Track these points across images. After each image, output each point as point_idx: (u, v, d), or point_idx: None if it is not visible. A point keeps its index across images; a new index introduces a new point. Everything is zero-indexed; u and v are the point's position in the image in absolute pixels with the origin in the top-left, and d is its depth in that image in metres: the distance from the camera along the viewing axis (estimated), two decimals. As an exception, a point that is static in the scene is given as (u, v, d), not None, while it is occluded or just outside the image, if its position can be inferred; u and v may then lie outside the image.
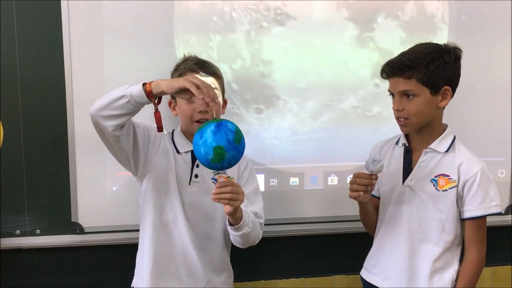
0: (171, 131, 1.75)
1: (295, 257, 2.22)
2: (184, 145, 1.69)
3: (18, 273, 1.99)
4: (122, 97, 1.41)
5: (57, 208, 1.94)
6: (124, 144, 1.54)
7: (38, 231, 1.94)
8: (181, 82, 1.40)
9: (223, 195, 1.45)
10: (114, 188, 1.96)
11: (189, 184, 1.68)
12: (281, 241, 2.14)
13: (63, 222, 1.95)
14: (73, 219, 1.95)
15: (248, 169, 1.77)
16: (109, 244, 2.00)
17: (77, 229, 1.95)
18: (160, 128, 1.47)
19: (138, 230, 1.89)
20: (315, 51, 2.03)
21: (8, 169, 1.87)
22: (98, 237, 1.98)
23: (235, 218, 1.53)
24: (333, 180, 2.13)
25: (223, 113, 1.77)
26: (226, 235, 1.71)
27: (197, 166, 1.69)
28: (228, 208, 1.48)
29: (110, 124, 1.45)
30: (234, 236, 1.60)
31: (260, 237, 1.68)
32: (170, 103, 1.75)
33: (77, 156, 1.91)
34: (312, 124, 2.08)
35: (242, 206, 1.56)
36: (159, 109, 1.46)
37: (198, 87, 1.39)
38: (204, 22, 1.94)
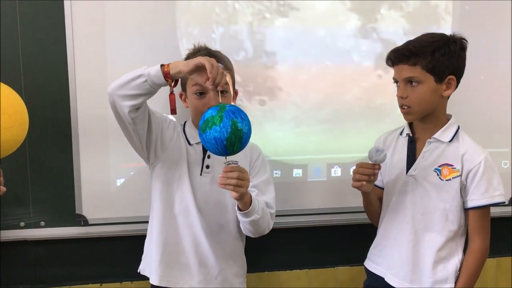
0: (183, 123, 1.76)
1: (298, 249, 2.22)
2: (195, 137, 1.70)
3: (23, 265, 2.00)
4: (139, 76, 1.45)
5: (62, 200, 1.95)
6: (139, 127, 1.57)
7: (42, 223, 1.95)
8: (198, 59, 1.43)
9: (228, 180, 1.46)
10: (118, 181, 1.96)
11: (201, 175, 1.70)
12: (284, 233, 2.15)
13: (67, 214, 1.96)
14: (77, 211, 1.95)
15: (260, 159, 1.78)
16: (113, 236, 2.01)
17: (82, 221, 1.96)
18: (173, 111, 1.50)
19: (142, 222, 1.91)
20: (318, 42, 2.03)
21: (12, 161, 1.87)
22: (102, 229, 1.99)
23: (243, 203, 1.55)
24: (336, 172, 2.13)
25: (233, 103, 1.77)
26: (238, 224, 1.72)
27: (208, 157, 1.70)
28: (234, 194, 1.50)
29: (126, 104, 1.48)
30: (244, 223, 1.62)
31: (271, 227, 1.69)
32: (181, 95, 1.76)
33: (81, 148, 1.92)
34: (315, 115, 2.08)
35: (252, 195, 1.59)
36: (174, 92, 1.49)
37: (212, 67, 1.42)
38: (206, 14, 1.94)
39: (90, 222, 1.97)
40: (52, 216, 1.96)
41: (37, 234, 1.95)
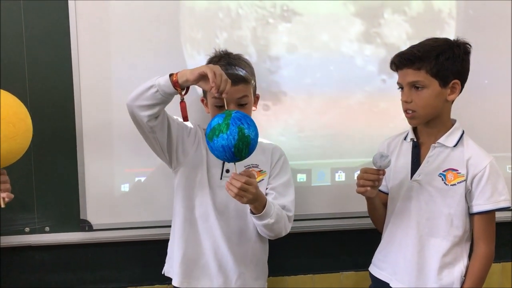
0: (206, 128, 1.77)
1: (303, 254, 2.22)
2: None
3: (28, 270, 2.00)
4: (151, 87, 1.50)
5: (66, 206, 1.95)
6: (159, 135, 1.61)
7: (47, 228, 1.96)
8: (201, 68, 1.47)
9: (231, 187, 1.49)
10: (123, 188, 1.97)
11: (221, 179, 1.72)
12: (289, 238, 2.11)
13: (72, 220, 1.96)
14: (81, 217, 1.96)
15: (281, 161, 1.79)
16: (118, 241, 2.01)
17: (86, 226, 1.96)
18: (185, 118, 1.53)
19: (147, 227, 1.93)
20: (322, 47, 2.03)
21: (18, 167, 1.86)
22: (106, 234, 1.99)
23: (254, 207, 1.57)
24: (340, 176, 2.13)
25: (255, 109, 1.80)
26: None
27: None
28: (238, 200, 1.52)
29: (144, 114, 1.53)
30: (258, 226, 1.64)
31: (288, 230, 1.71)
32: (202, 100, 1.78)
33: (86, 153, 1.92)
34: (319, 120, 2.07)
35: (269, 198, 1.63)
36: (185, 100, 1.51)
37: (215, 75, 1.45)
38: (210, 19, 1.94)
39: (94, 228, 1.97)
40: (56, 222, 1.96)
41: (41, 240, 1.96)
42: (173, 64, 1.79)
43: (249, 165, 1.71)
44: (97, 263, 2.05)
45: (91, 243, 1.99)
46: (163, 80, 1.48)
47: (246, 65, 1.74)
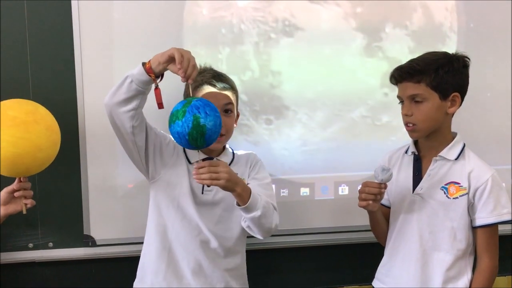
0: None
1: (306, 268, 2.20)
2: (195, 155, 1.69)
3: (31, 286, 1.99)
4: (125, 78, 1.50)
5: (70, 221, 1.95)
6: (138, 139, 1.60)
7: (50, 244, 1.96)
8: (170, 50, 1.46)
9: (202, 176, 1.48)
10: (126, 204, 1.96)
11: (202, 193, 1.70)
12: (292, 252, 2.14)
13: (75, 235, 1.96)
14: (85, 232, 1.96)
15: (258, 165, 1.80)
16: (121, 257, 2.00)
17: (90, 241, 1.96)
18: (160, 105, 1.51)
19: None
20: (324, 61, 2.04)
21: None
22: (110, 250, 1.99)
23: (237, 195, 1.54)
24: (344, 190, 2.13)
25: (236, 126, 1.79)
26: (242, 242, 1.75)
27: None
28: (217, 186, 1.52)
29: (121, 110, 1.52)
30: (247, 221, 1.61)
31: (277, 222, 1.67)
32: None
33: (89, 169, 1.93)
34: (322, 134, 2.08)
35: (253, 190, 1.59)
36: (159, 87, 1.51)
37: (182, 58, 1.45)
38: (213, 35, 1.96)
39: (98, 243, 1.97)
40: (60, 237, 1.96)
41: (45, 256, 1.96)
42: (176, 79, 1.79)
43: (203, 158, 1.67)
44: (100, 278, 2.04)
45: (94, 259, 1.99)
46: (137, 69, 1.49)
47: (231, 80, 1.78)
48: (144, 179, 1.80)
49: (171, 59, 1.47)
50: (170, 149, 1.72)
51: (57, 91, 1.89)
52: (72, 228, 1.95)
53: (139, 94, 1.51)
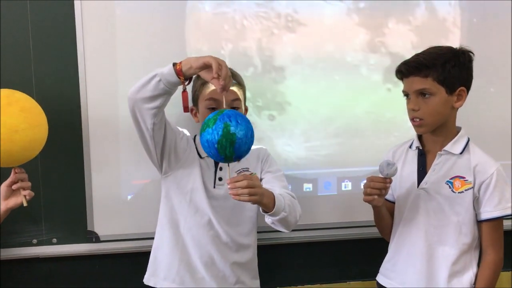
0: (193, 137, 1.79)
1: (310, 264, 2.21)
2: None
3: (35, 282, 2.00)
4: (154, 76, 1.48)
5: (73, 217, 1.95)
6: (156, 134, 1.59)
7: (54, 240, 1.96)
8: (207, 58, 1.45)
9: (240, 191, 1.44)
10: (129, 197, 1.97)
11: (214, 187, 1.72)
12: (295, 248, 2.14)
13: (79, 231, 1.96)
14: (89, 228, 1.96)
15: (269, 158, 1.82)
16: (125, 252, 2.01)
17: (93, 237, 1.97)
18: (186, 108, 1.52)
19: (153, 238, 1.91)
20: (327, 57, 2.04)
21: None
22: (114, 246, 1.99)
23: (264, 204, 1.52)
24: (347, 186, 2.13)
25: None
26: (253, 236, 1.77)
27: (220, 169, 1.72)
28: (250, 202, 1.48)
29: (145, 107, 1.50)
30: (274, 222, 1.59)
31: (300, 212, 1.67)
32: (191, 110, 1.78)
33: (92, 165, 1.93)
34: (325, 130, 2.08)
35: (268, 186, 1.58)
36: (186, 90, 1.50)
37: (220, 68, 1.43)
38: (215, 31, 1.96)
39: (101, 239, 1.97)
40: (64, 233, 1.96)
41: (49, 251, 1.96)
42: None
43: (240, 169, 1.70)
44: (104, 274, 2.05)
45: (98, 254, 1.99)
46: (167, 69, 1.47)
47: (238, 75, 1.77)
48: (148, 176, 1.81)
49: (205, 66, 1.45)
50: (184, 144, 1.73)
51: (60, 89, 1.89)
52: (76, 224, 1.96)
53: (165, 94, 1.50)
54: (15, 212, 1.60)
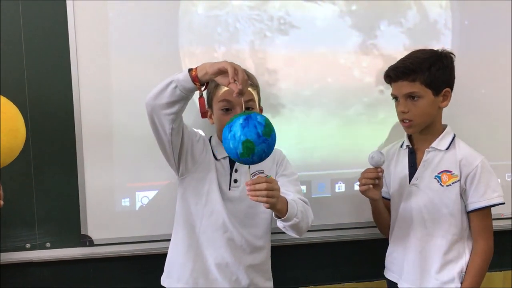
0: (209, 138, 1.80)
1: (305, 265, 2.19)
2: (222, 152, 1.70)
3: (29, 287, 1.99)
4: (170, 83, 1.48)
5: (67, 221, 1.94)
6: (174, 139, 1.60)
7: (48, 244, 1.95)
8: (222, 63, 1.44)
9: (259, 193, 1.43)
10: (124, 203, 1.96)
11: (229, 189, 1.72)
12: (290, 250, 2.14)
13: (72, 235, 1.95)
14: (82, 232, 1.95)
15: (285, 161, 1.82)
16: (119, 256, 2.00)
17: (87, 241, 1.96)
18: (203, 114, 1.51)
19: (148, 241, 1.92)
20: (319, 59, 2.05)
21: (18, 182, 1.88)
22: (108, 249, 1.98)
23: (277, 210, 1.52)
24: (340, 187, 2.13)
25: None
26: (267, 238, 1.78)
27: (236, 171, 1.73)
28: (266, 205, 1.46)
29: (164, 112, 1.51)
30: (285, 227, 1.59)
31: (312, 221, 1.67)
32: (206, 112, 1.77)
33: (86, 168, 1.92)
34: (318, 131, 2.08)
35: (288, 198, 1.57)
36: (203, 95, 1.50)
37: (236, 73, 1.43)
38: (208, 34, 1.96)
39: (95, 243, 1.96)
40: (57, 237, 1.95)
41: (43, 256, 1.95)
42: (172, 78, 1.80)
43: (255, 171, 1.70)
44: (98, 278, 2.04)
45: (92, 258, 1.98)
46: (182, 75, 1.46)
47: (253, 76, 1.78)
48: (142, 179, 1.80)
49: (220, 72, 1.45)
50: (200, 146, 1.74)
51: (53, 90, 1.88)
52: (70, 228, 1.95)
53: (182, 99, 1.50)
54: (8, 217, 1.60)
